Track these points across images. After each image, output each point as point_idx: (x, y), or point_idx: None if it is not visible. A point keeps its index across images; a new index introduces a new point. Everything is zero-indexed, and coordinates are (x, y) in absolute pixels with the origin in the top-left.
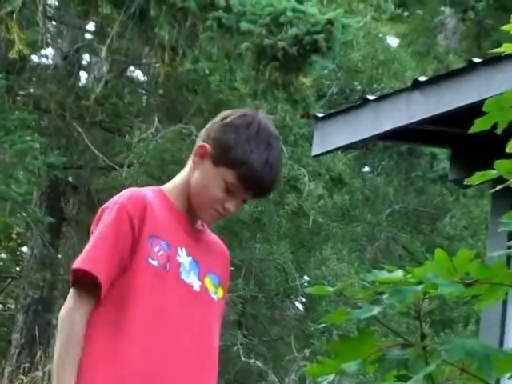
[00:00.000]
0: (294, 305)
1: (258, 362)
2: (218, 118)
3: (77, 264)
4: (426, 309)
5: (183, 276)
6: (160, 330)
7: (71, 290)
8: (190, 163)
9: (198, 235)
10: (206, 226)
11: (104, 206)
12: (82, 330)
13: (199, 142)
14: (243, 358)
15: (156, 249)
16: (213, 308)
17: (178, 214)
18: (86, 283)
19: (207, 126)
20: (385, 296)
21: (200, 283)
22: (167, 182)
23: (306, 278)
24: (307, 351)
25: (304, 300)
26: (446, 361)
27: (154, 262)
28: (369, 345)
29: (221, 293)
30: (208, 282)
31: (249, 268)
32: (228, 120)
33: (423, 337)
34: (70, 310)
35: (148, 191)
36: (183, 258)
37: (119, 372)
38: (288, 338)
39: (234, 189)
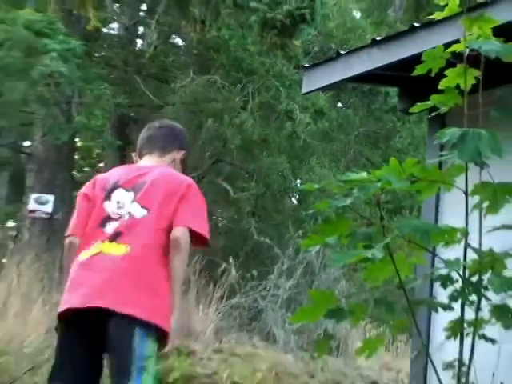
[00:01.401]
0: (291, 199)
1: (266, 240)
2: (168, 129)
3: (203, 231)
4: (383, 199)
5: None
6: None
7: (189, 231)
8: (168, 161)
9: None
10: None
11: (185, 182)
12: None
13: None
14: (256, 237)
15: None
16: None
17: None
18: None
19: (175, 135)
20: (354, 191)
21: None
22: (199, 115)
23: (298, 180)
24: (300, 232)
25: (298, 196)
26: (398, 235)
27: None
28: (344, 225)
29: None
30: None
31: (259, 174)
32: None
33: (382, 219)
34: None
35: None
36: None
37: None
38: (287, 222)
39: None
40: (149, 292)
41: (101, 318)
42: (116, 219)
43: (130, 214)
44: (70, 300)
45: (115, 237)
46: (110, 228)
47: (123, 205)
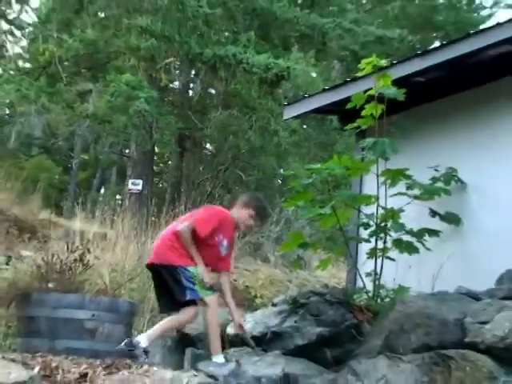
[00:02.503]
0: (277, 180)
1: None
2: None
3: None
4: (330, 180)
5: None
6: None
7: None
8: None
9: None
10: None
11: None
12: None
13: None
14: None
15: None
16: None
17: None
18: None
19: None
20: (313, 175)
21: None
22: (224, 134)
23: (281, 170)
24: (283, 199)
25: (281, 179)
26: (338, 200)
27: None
28: (308, 195)
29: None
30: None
31: (259, 167)
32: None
33: (329, 191)
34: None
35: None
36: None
37: None
38: (275, 194)
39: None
40: None
41: None
42: None
43: None
44: None
45: None
46: None
47: None
